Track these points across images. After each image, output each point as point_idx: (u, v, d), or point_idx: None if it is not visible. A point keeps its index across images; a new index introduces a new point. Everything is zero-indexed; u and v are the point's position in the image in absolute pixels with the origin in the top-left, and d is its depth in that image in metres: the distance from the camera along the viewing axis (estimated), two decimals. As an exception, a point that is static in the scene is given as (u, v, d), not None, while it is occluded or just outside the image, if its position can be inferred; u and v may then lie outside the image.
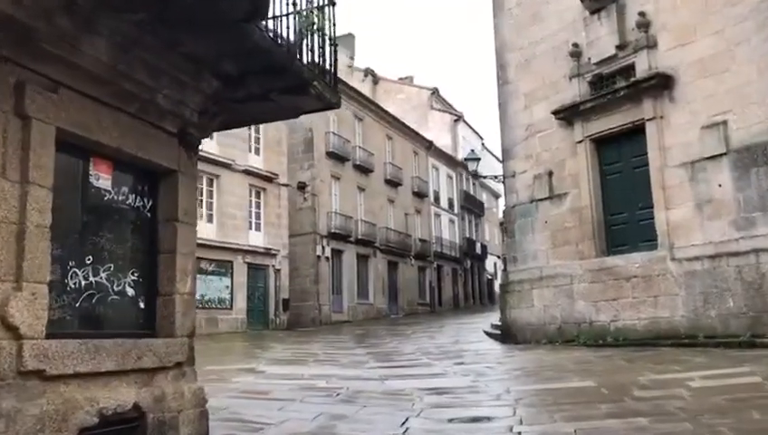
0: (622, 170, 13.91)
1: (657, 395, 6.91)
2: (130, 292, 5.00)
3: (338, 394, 8.27)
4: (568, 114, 14.51)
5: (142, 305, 5.12)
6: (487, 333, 18.42)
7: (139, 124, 4.89)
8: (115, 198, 4.90)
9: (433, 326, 24.39)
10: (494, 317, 27.94)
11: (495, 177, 17.45)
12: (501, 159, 16.79)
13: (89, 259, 4.58)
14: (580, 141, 14.39)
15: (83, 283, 4.52)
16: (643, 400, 6.70)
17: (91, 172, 4.67)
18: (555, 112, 14.69)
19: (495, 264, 57.51)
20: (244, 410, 7.29)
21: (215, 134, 23.81)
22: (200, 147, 5.75)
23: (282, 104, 5.68)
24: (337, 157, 31.88)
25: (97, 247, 4.68)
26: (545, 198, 15.15)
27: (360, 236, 33.04)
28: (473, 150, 19.76)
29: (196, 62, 4.95)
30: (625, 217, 13.76)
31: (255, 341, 20.14)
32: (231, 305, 23.85)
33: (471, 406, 7.30)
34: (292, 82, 5.34)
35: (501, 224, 66.21)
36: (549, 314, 14.69)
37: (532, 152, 15.66)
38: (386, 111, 37.89)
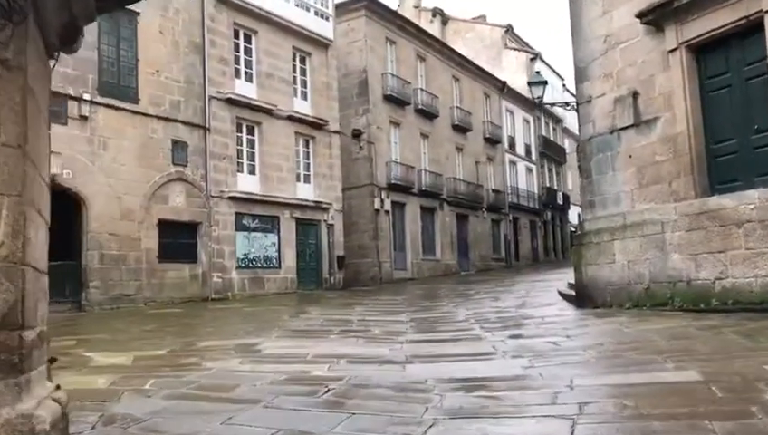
0: (731, 84, 10.62)
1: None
2: None
3: (328, 390, 5.83)
4: (657, 16, 11.26)
5: None
6: (562, 295, 15.61)
7: None
8: None
9: (502, 284, 21.68)
10: (572, 274, 25.05)
11: (567, 104, 14.44)
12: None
13: None
14: (673, 50, 11.15)
15: None
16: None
17: None
18: (641, 15, 11.44)
19: (579, 214, 53.74)
20: (169, 423, 4.97)
21: (253, 77, 21.63)
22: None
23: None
24: (396, 101, 29.14)
25: None
26: (629, 126, 12.03)
27: (424, 188, 30.38)
28: (537, 72, 16.67)
29: None
30: (734, 145, 10.54)
31: (295, 304, 18.10)
32: (279, 264, 21.90)
33: (507, 416, 4.72)
34: None
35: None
36: (634, 270, 11.74)
37: (612, 70, 12.50)
38: (452, 50, 34.69)
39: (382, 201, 27.36)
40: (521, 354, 7.49)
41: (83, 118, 16.44)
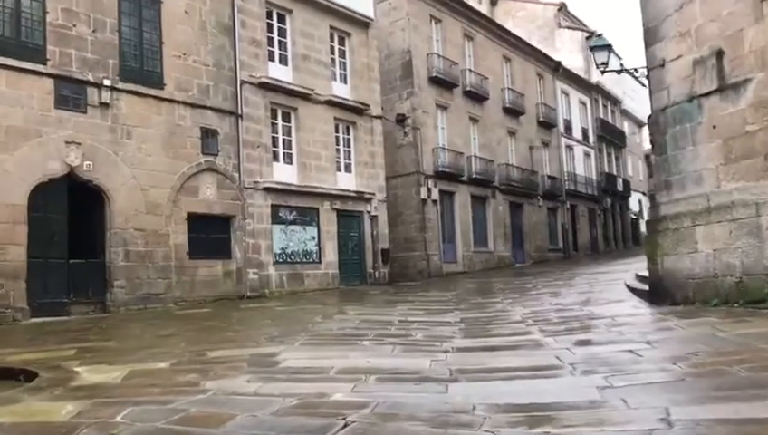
0: None
1: None
2: None
3: (345, 426, 4.35)
4: (750, -47, 9.41)
5: None
6: (631, 289, 13.80)
7: None
8: None
9: (561, 277, 19.84)
10: (639, 265, 22.75)
11: (635, 70, 12.55)
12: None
13: None
14: (769, -5, 9.29)
15: None
16: None
17: None
18: (727, -44, 9.63)
19: (640, 201, 51.03)
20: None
21: (288, 59, 20.28)
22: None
23: None
24: (443, 83, 27.41)
25: None
26: (712, 92, 10.15)
27: (474, 175, 28.57)
28: (599, 35, 14.72)
29: None
30: None
31: (334, 301, 16.71)
32: (319, 259, 20.55)
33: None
34: None
35: (649, 149, 58.17)
36: (721, 261, 9.89)
37: (690, 27, 10.61)
38: (501, 28, 32.70)
39: (429, 190, 25.72)
40: (593, 369, 5.87)
41: (104, 105, 15.36)
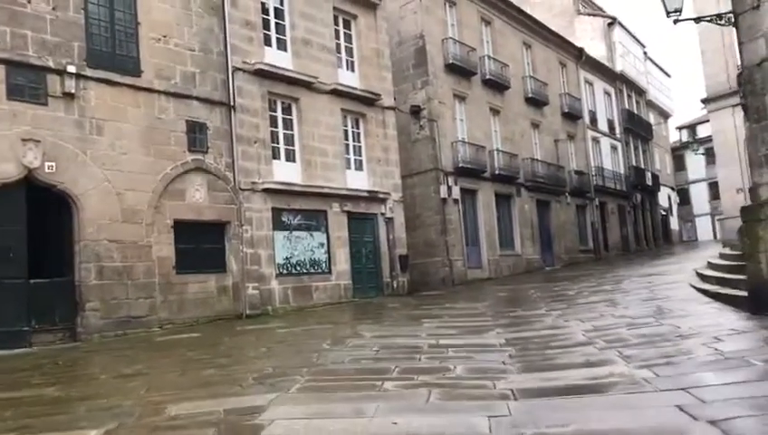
0: None
1: None
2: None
3: None
4: None
5: None
6: (703, 292, 11.27)
7: None
8: None
9: (605, 282, 17.22)
10: (688, 263, 20.23)
11: (718, 16, 10.01)
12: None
13: None
14: None
15: None
16: None
17: None
18: None
19: (670, 196, 48.23)
20: None
21: (288, 44, 17.86)
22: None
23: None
24: (460, 70, 24.87)
25: None
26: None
27: (497, 171, 25.95)
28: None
29: None
30: None
31: (347, 319, 14.23)
32: (329, 269, 18.05)
33: None
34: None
35: (676, 142, 54.69)
36: None
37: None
38: (521, 11, 30.12)
39: (450, 188, 23.17)
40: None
41: (69, 96, 12.98)
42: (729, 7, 9.66)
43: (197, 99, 15.36)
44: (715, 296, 10.32)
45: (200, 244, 15.10)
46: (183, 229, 14.71)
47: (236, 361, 8.88)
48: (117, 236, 13.43)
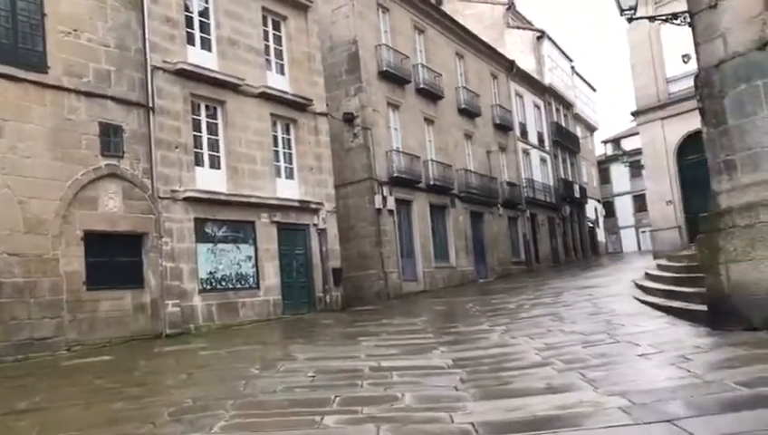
0: None
1: None
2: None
3: None
4: None
5: None
6: (650, 305, 10.88)
7: None
8: None
9: (544, 294, 16.79)
10: (621, 274, 20.08)
11: (674, 15, 9.65)
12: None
13: None
14: None
15: None
16: None
17: None
18: None
19: (596, 209, 49.10)
20: None
21: (212, 44, 16.74)
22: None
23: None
24: (394, 78, 24.23)
25: None
26: (801, 31, 7.32)
27: (432, 182, 25.41)
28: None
29: None
30: None
31: (278, 338, 13.23)
32: (257, 283, 16.94)
33: None
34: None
35: (602, 155, 55.65)
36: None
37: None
38: (453, 21, 29.84)
39: (384, 199, 22.42)
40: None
41: (-39, 92, 11.58)
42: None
43: (113, 99, 14.06)
44: (667, 310, 9.90)
45: (114, 257, 13.76)
46: (95, 241, 13.35)
47: (151, 390, 7.77)
48: (18, 249, 11.99)
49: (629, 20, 10.11)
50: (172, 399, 6.84)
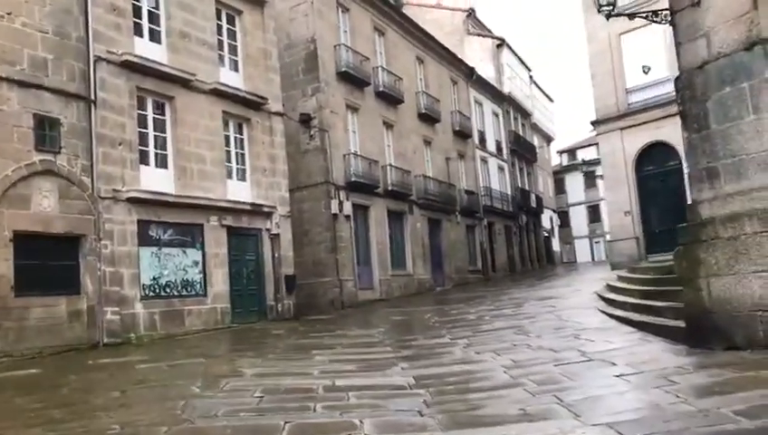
0: None
1: None
2: None
3: None
4: None
5: None
6: (617, 318, 10.43)
7: None
8: None
9: (504, 305, 16.27)
10: (580, 285, 19.79)
11: (654, 13, 9.21)
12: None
13: None
14: None
15: None
16: None
17: None
18: None
19: (552, 219, 49.24)
20: None
21: (162, 36, 15.74)
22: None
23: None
24: (353, 80, 23.55)
25: None
26: (786, 34, 6.90)
27: (390, 187, 24.78)
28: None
29: None
30: None
31: (224, 350, 12.35)
32: (204, 290, 16.00)
33: None
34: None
35: (558, 165, 55.90)
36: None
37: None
38: (414, 24, 29.34)
39: (341, 204, 21.67)
40: None
41: None
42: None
43: (49, 89, 13.02)
44: (638, 325, 9.41)
45: (48, 260, 12.69)
46: (26, 243, 12.28)
47: (76, 413, 6.86)
48: (-65, 251, 10.89)
49: (607, 16, 9.66)
50: (98, 425, 5.99)
